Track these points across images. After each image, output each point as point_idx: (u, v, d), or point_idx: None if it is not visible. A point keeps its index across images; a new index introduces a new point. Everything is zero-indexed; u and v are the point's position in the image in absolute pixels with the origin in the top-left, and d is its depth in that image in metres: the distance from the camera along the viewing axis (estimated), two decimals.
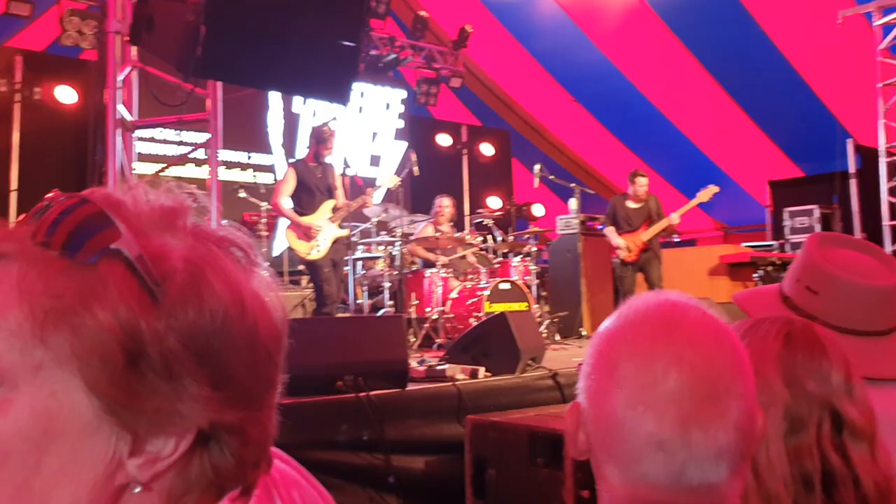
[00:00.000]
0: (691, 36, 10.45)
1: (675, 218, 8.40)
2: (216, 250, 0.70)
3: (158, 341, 0.64)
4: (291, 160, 6.87)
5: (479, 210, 9.46)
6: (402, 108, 12.78)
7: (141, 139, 9.39)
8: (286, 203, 6.83)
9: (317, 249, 6.71)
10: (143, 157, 9.26)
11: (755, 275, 9.40)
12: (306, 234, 6.78)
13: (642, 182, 8.51)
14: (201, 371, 0.65)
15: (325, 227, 6.76)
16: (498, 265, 8.20)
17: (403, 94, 12.75)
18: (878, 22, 9.00)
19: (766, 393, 1.17)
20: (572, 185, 8.58)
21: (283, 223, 9.59)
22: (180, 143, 9.83)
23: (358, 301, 7.88)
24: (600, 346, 0.95)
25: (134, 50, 5.11)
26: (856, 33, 9.08)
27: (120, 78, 4.92)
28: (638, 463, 0.88)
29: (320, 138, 6.96)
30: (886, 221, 9.13)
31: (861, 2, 9.09)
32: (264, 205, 8.38)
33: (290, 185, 6.80)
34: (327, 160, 7.03)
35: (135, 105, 5.42)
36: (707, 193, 8.53)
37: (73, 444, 0.64)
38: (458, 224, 9.32)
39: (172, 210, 0.70)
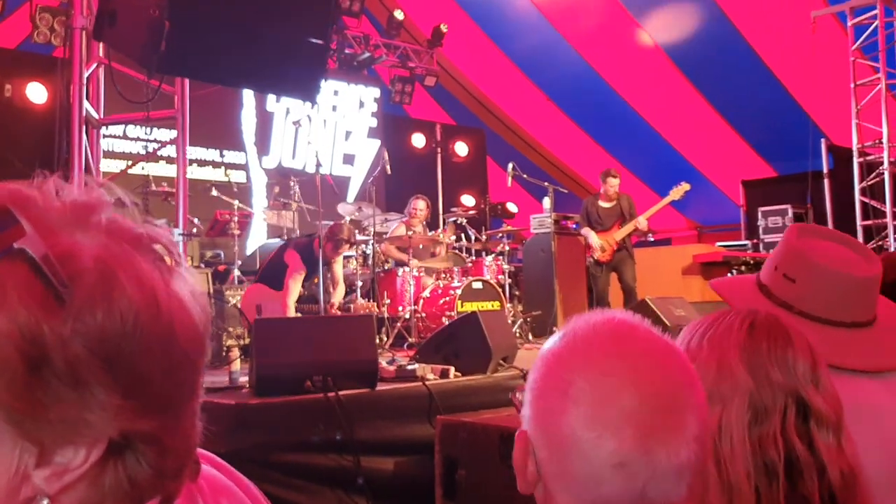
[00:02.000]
0: (666, 36, 10.50)
1: (641, 222, 8.47)
2: (131, 249, 0.66)
3: (63, 346, 0.60)
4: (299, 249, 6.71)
5: (454, 209, 9.45)
6: (375, 107, 12.75)
7: (111, 136, 9.30)
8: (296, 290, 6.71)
9: None
10: (113, 155, 9.18)
11: (728, 274, 9.45)
12: None
13: (613, 183, 8.59)
14: (111, 378, 0.61)
15: None
16: (471, 264, 8.18)
17: (377, 92, 12.72)
18: (851, 22, 9.08)
19: (729, 383, 1.18)
20: (546, 183, 8.58)
21: (255, 221, 9.55)
22: (152, 141, 9.75)
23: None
24: (548, 366, 0.92)
25: (101, 46, 5.05)
26: (829, 33, 9.16)
27: (86, 74, 4.86)
28: (598, 486, 0.86)
29: (336, 241, 6.78)
30: (859, 221, 9.23)
31: (833, 2, 9.16)
32: (237, 203, 8.31)
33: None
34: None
35: (101, 102, 5.36)
36: (679, 191, 8.60)
37: None
38: (432, 223, 9.29)
39: (86, 206, 0.66)
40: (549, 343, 0.95)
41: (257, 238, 9.95)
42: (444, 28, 11.20)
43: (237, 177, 10.38)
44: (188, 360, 0.68)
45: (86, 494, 0.64)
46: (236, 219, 8.23)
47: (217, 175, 10.23)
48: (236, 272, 7.88)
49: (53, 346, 0.59)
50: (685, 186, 8.62)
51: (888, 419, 1.47)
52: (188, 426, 0.69)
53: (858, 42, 9.12)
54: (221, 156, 10.79)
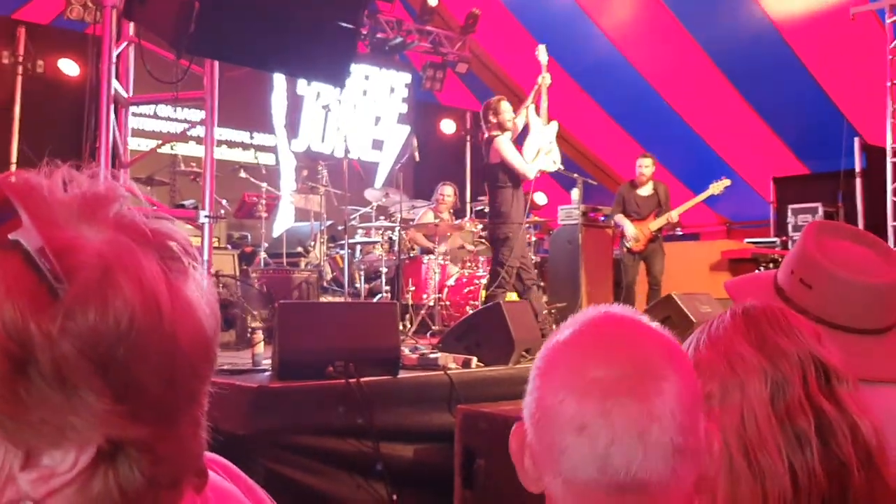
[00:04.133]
0: (701, 29, 10.36)
1: (674, 216, 8.42)
2: (138, 247, 0.62)
3: (50, 346, 0.56)
4: None
5: (481, 198, 9.39)
6: (406, 93, 12.70)
7: (141, 115, 9.34)
8: None
9: None
10: (143, 134, 9.23)
11: (756, 271, 9.34)
12: None
13: (645, 163, 8.53)
14: (102, 381, 0.58)
15: None
16: None
17: (408, 78, 12.67)
18: (891, 20, 8.90)
19: (741, 368, 1.16)
20: (575, 175, 8.50)
21: (283, 204, 9.57)
22: (183, 121, 9.78)
23: (355, 285, 7.84)
24: (541, 356, 0.95)
25: (132, 25, 5.05)
26: (867, 31, 8.99)
27: (115, 53, 4.87)
28: (563, 455, 0.86)
29: None
30: (891, 221, 9.07)
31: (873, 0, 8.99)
32: (265, 185, 8.33)
33: None
34: None
35: (130, 81, 5.37)
36: (719, 186, 8.54)
37: None
38: (459, 212, 9.26)
39: (96, 198, 0.63)
40: (557, 335, 0.96)
41: (284, 221, 9.97)
42: (477, 13, 11.12)
43: (266, 159, 10.39)
44: (190, 367, 0.64)
45: (73, 501, 0.61)
46: (264, 201, 8.25)
47: (246, 157, 10.25)
48: (262, 254, 7.91)
49: (40, 344, 0.56)
50: (726, 182, 8.57)
51: None
52: (187, 435, 0.66)
53: None
54: (251, 137, 10.81)
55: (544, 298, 8.71)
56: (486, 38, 12.23)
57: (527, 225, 6.83)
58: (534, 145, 6.48)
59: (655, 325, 0.93)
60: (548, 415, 0.88)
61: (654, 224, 8.35)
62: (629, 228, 8.31)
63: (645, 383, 0.85)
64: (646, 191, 8.47)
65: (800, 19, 9.57)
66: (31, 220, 0.58)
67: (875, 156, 9.49)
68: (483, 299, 6.86)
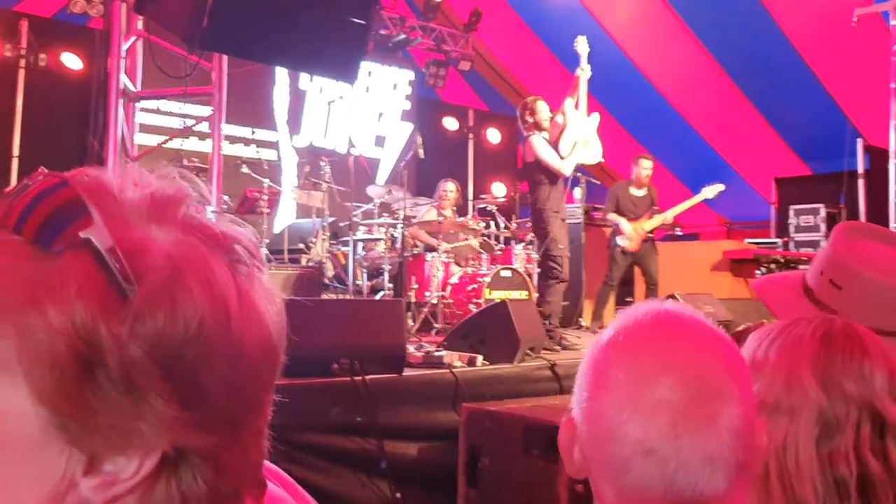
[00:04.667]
0: (705, 29, 10.36)
1: (669, 217, 8.46)
2: (207, 249, 0.60)
3: (119, 348, 0.55)
4: None
5: (483, 196, 9.40)
6: (409, 90, 12.69)
7: (144, 110, 9.31)
8: None
9: None
10: (146, 129, 9.20)
11: (758, 271, 9.34)
12: None
13: (647, 165, 8.47)
14: (169, 387, 0.56)
15: None
16: (500, 252, 8.14)
17: (411, 75, 12.66)
18: (895, 21, 8.90)
19: (797, 395, 1.13)
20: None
21: (284, 200, 9.55)
22: (184, 116, 9.76)
23: (357, 282, 7.83)
24: (593, 355, 0.94)
25: (140, 20, 5.03)
26: (871, 33, 8.98)
27: (124, 47, 4.85)
28: (627, 472, 0.85)
29: None
30: (893, 224, 9.05)
31: (878, 1, 8.98)
32: (267, 181, 8.31)
33: None
34: None
35: (138, 76, 5.36)
36: (712, 190, 8.51)
37: (18, 459, 0.56)
38: (461, 209, 9.26)
39: (165, 199, 0.61)
40: (605, 332, 0.96)
41: (286, 217, 9.95)
42: (480, 12, 11.12)
43: (268, 155, 10.37)
44: (256, 374, 0.62)
45: None
46: (266, 197, 8.24)
47: (248, 152, 10.23)
48: (264, 250, 7.87)
49: (109, 346, 0.55)
50: (719, 187, 8.55)
51: None
52: (250, 444, 0.64)
53: None
54: (253, 133, 10.79)
55: None
56: (489, 36, 12.22)
57: (576, 220, 6.84)
58: (570, 139, 6.46)
59: (712, 325, 0.91)
60: (609, 429, 0.87)
61: (649, 224, 8.35)
62: (627, 227, 8.26)
63: (711, 405, 0.84)
64: (640, 191, 8.47)
65: (804, 20, 9.57)
66: (103, 219, 0.56)
67: (878, 157, 9.48)
68: (535, 293, 6.87)
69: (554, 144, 6.42)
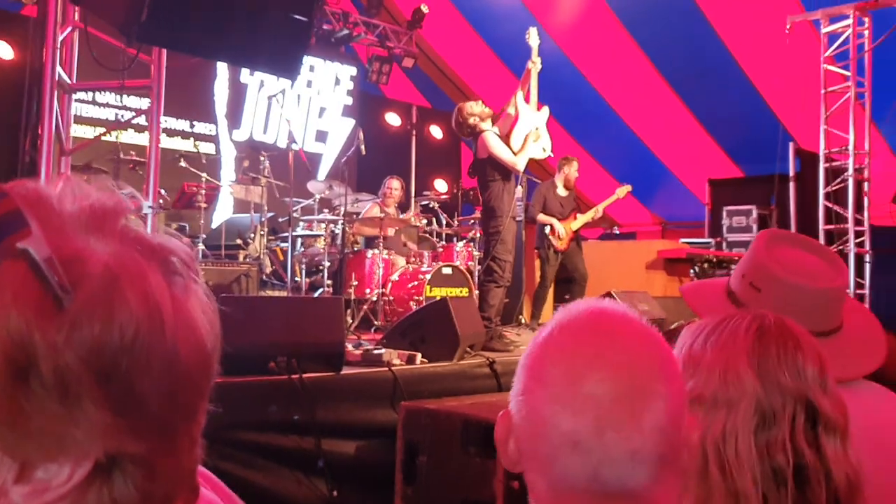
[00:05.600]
0: (643, 32, 10.50)
1: (600, 210, 8.68)
2: (143, 260, 0.62)
3: (54, 355, 0.55)
4: None
5: (426, 192, 9.39)
6: (351, 85, 12.63)
7: (79, 101, 9.10)
8: None
9: None
10: (82, 120, 8.99)
11: (691, 271, 9.54)
12: None
13: (576, 166, 8.68)
14: (103, 393, 0.57)
15: None
16: (441, 249, 8.16)
17: (354, 70, 12.60)
18: (826, 29, 9.15)
19: (736, 388, 1.17)
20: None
21: (223, 195, 9.42)
22: (121, 108, 9.56)
23: (296, 279, 7.77)
24: (531, 351, 0.96)
25: (77, 10, 4.90)
26: (803, 39, 9.22)
27: (60, 38, 4.72)
28: (555, 464, 0.88)
29: None
30: (821, 225, 9.31)
31: (809, 9, 9.22)
32: (205, 175, 8.18)
33: None
34: None
35: (74, 66, 5.22)
36: (623, 191, 8.84)
37: None
38: (403, 206, 9.26)
39: (104, 210, 0.63)
40: (544, 328, 0.98)
41: (223, 212, 9.82)
42: (424, 9, 11.11)
43: (206, 148, 10.22)
44: (190, 382, 0.63)
45: None
46: (203, 191, 8.10)
47: (186, 146, 10.05)
48: (201, 246, 7.76)
49: (44, 353, 0.55)
50: (627, 188, 8.87)
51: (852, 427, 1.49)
52: (183, 450, 0.65)
53: (831, 49, 9.18)
54: (191, 126, 10.60)
55: None
56: (432, 34, 12.22)
57: (519, 218, 6.81)
58: (521, 133, 6.36)
59: (644, 323, 0.94)
60: (539, 423, 0.89)
61: (577, 223, 8.52)
62: (560, 228, 8.42)
63: (639, 401, 0.86)
64: (565, 191, 8.66)
65: (739, 25, 9.77)
66: (41, 230, 0.57)
67: (808, 161, 9.74)
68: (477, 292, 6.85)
69: (505, 137, 6.36)
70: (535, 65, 6.59)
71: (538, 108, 6.58)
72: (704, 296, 1.76)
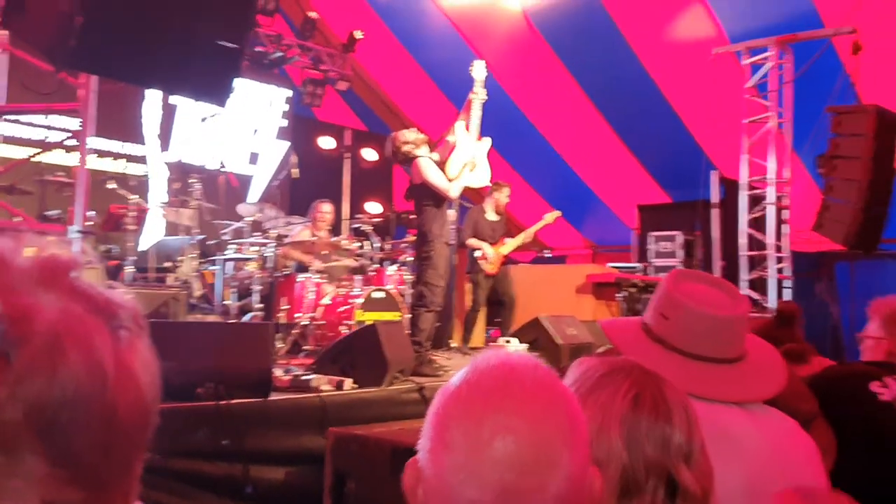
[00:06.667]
0: (572, 58, 10.71)
1: (530, 234, 8.86)
2: (90, 316, 0.64)
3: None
4: None
5: (358, 215, 9.41)
6: (285, 107, 12.58)
7: (6, 120, 8.89)
8: None
9: None
10: (8, 140, 8.78)
11: (618, 295, 9.73)
12: None
13: (507, 192, 8.80)
14: (43, 446, 0.60)
15: None
16: (373, 273, 8.18)
17: (288, 93, 12.56)
18: (747, 61, 9.48)
19: (605, 450, 1.21)
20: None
21: (152, 217, 9.29)
22: (50, 128, 9.38)
23: (225, 302, 7.70)
24: (438, 405, 0.96)
25: (4, 33, 4.82)
26: (726, 70, 9.53)
27: None
28: None
29: None
30: (744, 251, 9.60)
31: (733, 41, 9.54)
32: (134, 197, 8.06)
33: None
34: None
35: (4, 89, 5.13)
36: (551, 217, 8.98)
37: None
38: (335, 229, 9.25)
39: (54, 265, 0.65)
40: (454, 378, 0.98)
41: (153, 234, 9.66)
42: (358, 35, 11.17)
43: (136, 170, 10.08)
44: (128, 436, 0.66)
45: None
46: (132, 213, 7.98)
47: (115, 167, 9.91)
48: (129, 269, 7.64)
49: None
50: (557, 213, 9.03)
51: (747, 443, 1.61)
52: (118, 499, 0.68)
53: (753, 80, 9.51)
54: (121, 147, 10.42)
55: None
56: (367, 57, 12.28)
57: (451, 243, 6.84)
58: (458, 161, 6.42)
59: (553, 379, 0.96)
60: (445, 487, 0.90)
61: (506, 248, 8.67)
62: (490, 252, 8.53)
63: (544, 471, 0.89)
64: (496, 216, 8.80)
65: (664, 55, 10.05)
66: None
67: (731, 188, 10.03)
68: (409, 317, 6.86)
69: (442, 164, 6.42)
70: (477, 96, 6.69)
71: (479, 139, 6.66)
72: (622, 330, 1.88)
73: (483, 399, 0.92)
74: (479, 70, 6.78)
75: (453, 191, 6.33)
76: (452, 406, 0.94)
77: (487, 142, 6.70)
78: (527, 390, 0.93)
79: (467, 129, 6.60)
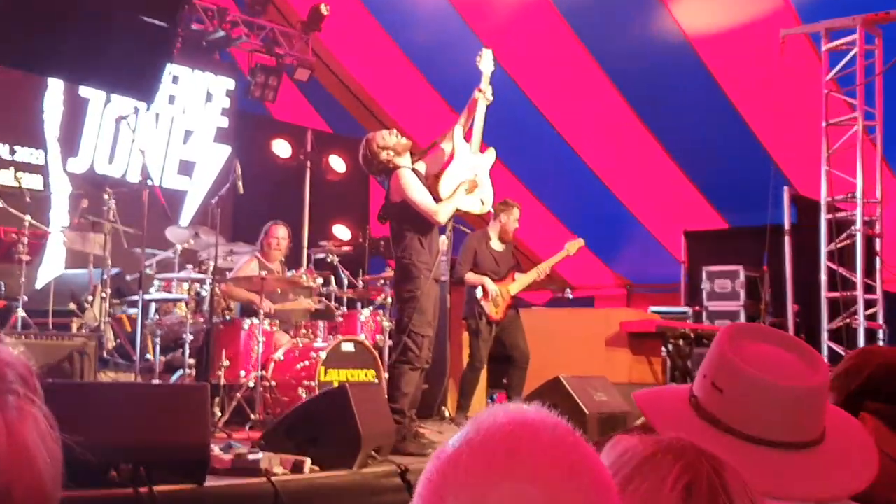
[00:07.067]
0: (602, 45, 10.74)
1: (545, 269, 8.79)
2: None
3: None
4: None
5: (322, 243, 9.40)
6: (228, 102, 12.62)
7: None
8: None
9: None
10: None
11: (662, 349, 9.70)
12: None
13: (517, 214, 8.67)
14: None
15: None
16: (341, 318, 8.15)
17: (232, 83, 12.61)
18: (826, 46, 9.36)
19: None
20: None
21: (52, 244, 9.26)
22: None
23: (147, 357, 7.67)
24: (432, 471, 0.96)
25: None
26: (800, 58, 9.51)
27: None
28: None
29: None
30: (824, 293, 9.48)
31: (807, 21, 9.54)
32: (28, 218, 8.03)
33: None
34: None
35: None
36: (574, 246, 8.88)
37: None
38: (293, 260, 9.24)
39: None
40: (451, 440, 0.98)
41: (52, 267, 9.65)
42: (324, 10, 11.23)
43: (32, 182, 10.07)
44: None
45: None
46: (26, 239, 7.95)
47: (5, 178, 9.90)
48: (20, 312, 7.59)
49: None
50: (580, 242, 8.95)
51: None
52: None
53: (834, 72, 9.46)
54: (11, 152, 10.39)
55: None
56: (334, 39, 12.34)
57: (442, 279, 6.76)
58: (453, 177, 6.36)
59: (577, 443, 0.96)
60: None
61: (515, 286, 8.57)
62: (494, 289, 8.38)
63: None
64: (501, 245, 8.69)
65: (719, 39, 10.08)
66: None
67: (808, 209, 9.97)
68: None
69: (434, 178, 6.40)
70: (483, 94, 6.61)
71: (481, 150, 6.62)
72: (663, 406, 1.83)
73: (488, 463, 0.92)
74: (486, 61, 6.70)
75: (442, 214, 6.28)
76: (450, 473, 0.94)
77: (492, 154, 6.67)
78: (544, 453, 0.93)
79: (467, 136, 6.54)
